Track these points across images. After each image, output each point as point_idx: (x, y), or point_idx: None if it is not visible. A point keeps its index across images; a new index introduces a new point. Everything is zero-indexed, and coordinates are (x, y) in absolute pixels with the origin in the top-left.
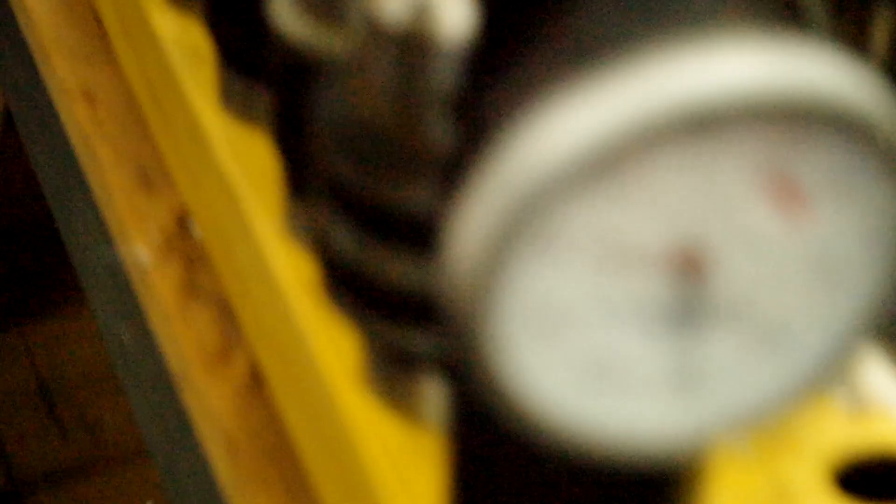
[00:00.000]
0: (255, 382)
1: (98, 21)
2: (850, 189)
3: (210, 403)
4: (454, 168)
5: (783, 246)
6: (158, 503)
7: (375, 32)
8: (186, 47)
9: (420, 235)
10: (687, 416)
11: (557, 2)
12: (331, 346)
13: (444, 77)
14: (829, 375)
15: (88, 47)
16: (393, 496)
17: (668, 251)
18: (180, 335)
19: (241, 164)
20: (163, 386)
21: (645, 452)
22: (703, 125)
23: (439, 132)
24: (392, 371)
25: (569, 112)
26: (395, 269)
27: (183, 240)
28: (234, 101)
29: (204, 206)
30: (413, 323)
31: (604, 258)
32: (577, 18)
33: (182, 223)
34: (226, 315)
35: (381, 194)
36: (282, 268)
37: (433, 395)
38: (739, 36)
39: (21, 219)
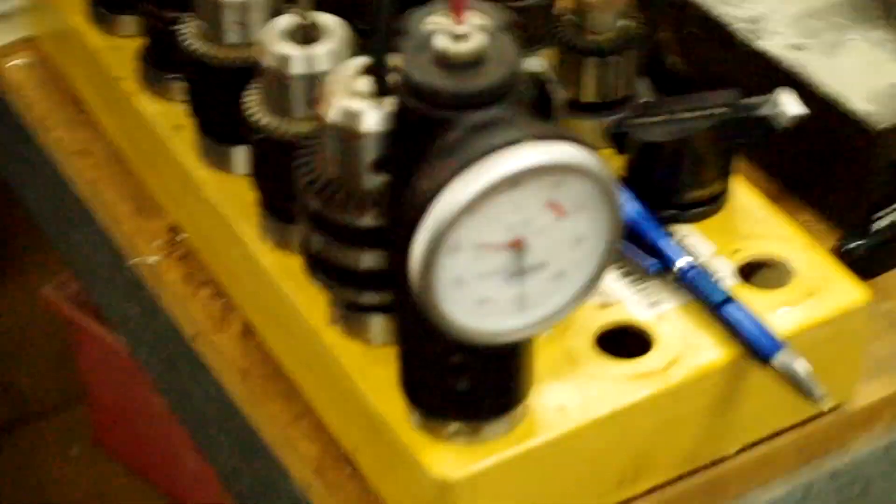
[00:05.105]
0: (248, 334)
1: (77, 101)
2: (585, 201)
3: (222, 348)
4: (392, 206)
5: (557, 232)
6: (84, 448)
7: (323, 126)
8: (165, 120)
9: (360, 241)
10: (524, 323)
11: (442, 126)
12: (309, 303)
13: (367, 152)
14: (589, 293)
15: (76, 119)
16: (358, 385)
17: (507, 241)
18: (191, 308)
19: (225, 198)
20: (172, 343)
21: (503, 340)
22: (517, 181)
23: (366, 183)
24: (348, 315)
25: (456, 183)
26: (346, 258)
27: (176, 245)
28: (213, 159)
29: (193, 226)
30: (360, 288)
31: (477, 249)
32: (455, 138)
33: (173, 233)
34: (219, 292)
35: (335, 216)
36: (268, 259)
37: (374, 327)
38: (529, 142)
39: None
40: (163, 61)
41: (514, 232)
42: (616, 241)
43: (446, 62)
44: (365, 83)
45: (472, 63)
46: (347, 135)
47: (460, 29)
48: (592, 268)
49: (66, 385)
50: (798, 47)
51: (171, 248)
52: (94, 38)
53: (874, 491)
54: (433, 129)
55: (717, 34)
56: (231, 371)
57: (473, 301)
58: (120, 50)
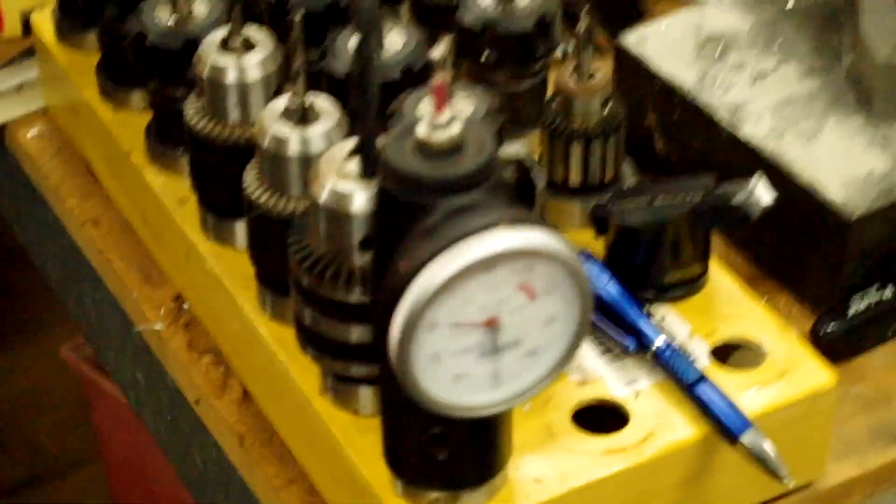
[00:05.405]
0: (246, 400)
1: (89, 172)
2: (556, 284)
3: (222, 414)
4: (374, 284)
5: (529, 312)
6: None
7: (315, 206)
8: (171, 193)
9: (349, 316)
10: (499, 397)
11: (421, 210)
12: (302, 372)
13: (356, 232)
14: (561, 370)
15: (88, 189)
16: (347, 452)
17: (482, 320)
18: (194, 374)
19: (226, 270)
20: (176, 407)
21: (480, 414)
22: (490, 264)
23: (355, 261)
24: (338, 385)
25: (433, 265)
26: (336, 332)
27: (180, 313)
28: (215, 233)
29: (196, 296)
30: (349, 360)
31: (453, 327)
32: (433, 222)
33: (178, 302)
34: (219, 359)
35: (325, 292)
36: (265, 330)
37: (363, 397)
38: (502, 227)
39: None
40: (168, 136)
41: (488, 311)
42: (586, 321)
43: (425, 150)
44: (355, 165)
45: (451, 151)
46: (337, 215)
47: (441, 118)
48: (564, 346)
49: (83, 443)
50: (777, 135)
51: (176, 315)
52: (105, 112)
53: None
54: (412, 213)
55: (701, 120)
56: (230, 435)
57: (450, 376)
58: (129, 124)
